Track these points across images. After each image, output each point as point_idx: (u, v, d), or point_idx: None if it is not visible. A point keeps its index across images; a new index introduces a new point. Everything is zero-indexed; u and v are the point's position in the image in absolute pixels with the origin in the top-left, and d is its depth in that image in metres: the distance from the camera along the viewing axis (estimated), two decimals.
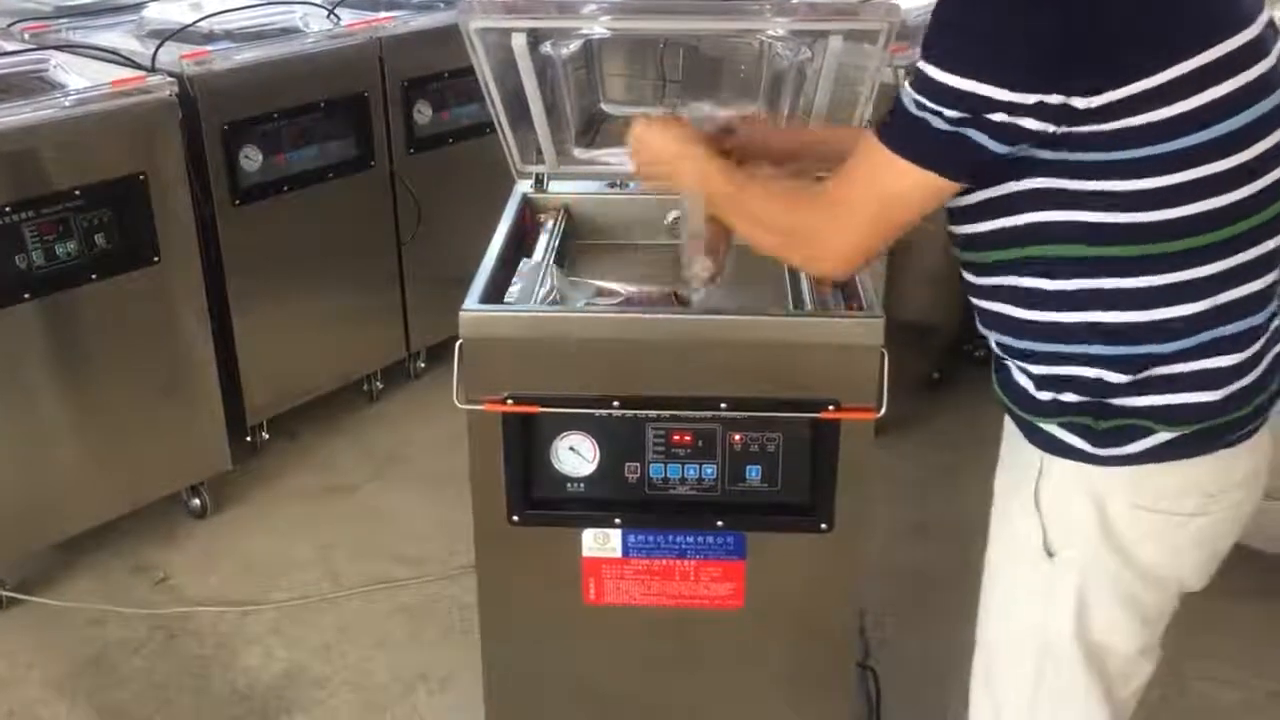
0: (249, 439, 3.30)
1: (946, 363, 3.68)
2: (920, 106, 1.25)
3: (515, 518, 1.81)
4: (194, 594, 2.83)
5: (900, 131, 1.28)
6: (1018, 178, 1.29)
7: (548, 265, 1.92)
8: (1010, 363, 1.43)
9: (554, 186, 2.19)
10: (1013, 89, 1.20)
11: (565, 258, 2.09)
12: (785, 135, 1.87)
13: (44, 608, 2.76)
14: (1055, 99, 1.20)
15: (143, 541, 2.98)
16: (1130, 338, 1.31)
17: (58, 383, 2.72)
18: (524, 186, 2.17)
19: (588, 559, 1.83)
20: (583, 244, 2.16)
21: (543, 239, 2.04)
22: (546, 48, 2.03)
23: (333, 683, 2.56)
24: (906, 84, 1.27)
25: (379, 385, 3.64)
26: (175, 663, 2.61)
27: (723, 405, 1.73)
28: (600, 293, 1.90)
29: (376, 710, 2.48)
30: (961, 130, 1.23)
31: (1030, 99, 1.20)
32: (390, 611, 2.77)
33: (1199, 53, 1.21)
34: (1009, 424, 1.50)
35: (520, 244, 2.03)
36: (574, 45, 2.12)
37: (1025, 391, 1.42)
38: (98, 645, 2.66)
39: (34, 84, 2.81)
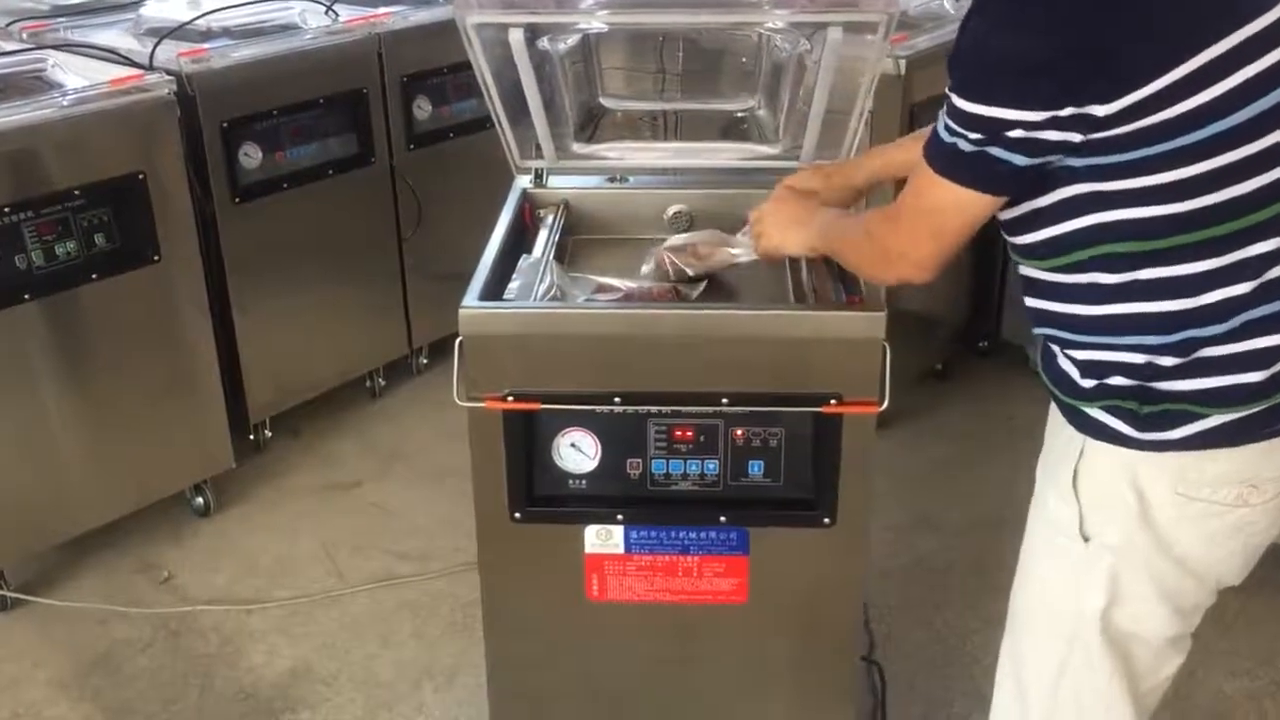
0: (252, 437, 3.30)
1: (950, 355, 3.67)
2: (950, 131, 1.34)
3: (517, 515, 1.80)
4: (198, 592, 2.83)
5: (936, 153, 1.37)
6: (1056, 187, 1.35)
7: (547, 261, 1.92)
8: (1058, 349, 1.46)
9: (553, 182, 2.18)
10: (1023, 108, 1.27)
11: (565, 253, 2.09)
12: (860, 166, 1.93)
13: (49, 608, 2.77)
14: (1068, 111, 1.25)
15: (147, 541, 2.98)
16: (1181, 322, 1.34)
17: (60, 383, 2.72)
18: (523, 182, 2.17)
19: (590, 555, 1.83)
20: (582, 239, 2.15)
21: (542, 234, 2.04)
22: (544, 42, 2.02)
23: (338, 680, 2.56)
24: (943, 111, 1.36)
25: (382, 382, 3.64)
26: (180, 662, 2.62)
27: (724, 400, 1.72)
28: (600, 288, 1.89)
29: (382, 707, 2.48)
30: (986, 149, 1.31)
31: (1041, 115, 1.26)
32: (395, 608, 2.77)
33: (1211, 44, 1.23)
34: (1052, 409, 1.52)
35: (520, 240, 2.02)
36: (572, 40, 2.11)
37: (1069, 376, 1.44)
38: (103, 645, 2.66)
39: (32, 84, 2.81)
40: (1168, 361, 1.36)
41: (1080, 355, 1.42)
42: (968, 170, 1.34)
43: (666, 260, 1.95)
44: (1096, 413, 1.42)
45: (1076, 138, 1.27)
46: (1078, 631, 1.50)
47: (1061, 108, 1.25)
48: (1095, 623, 1.48)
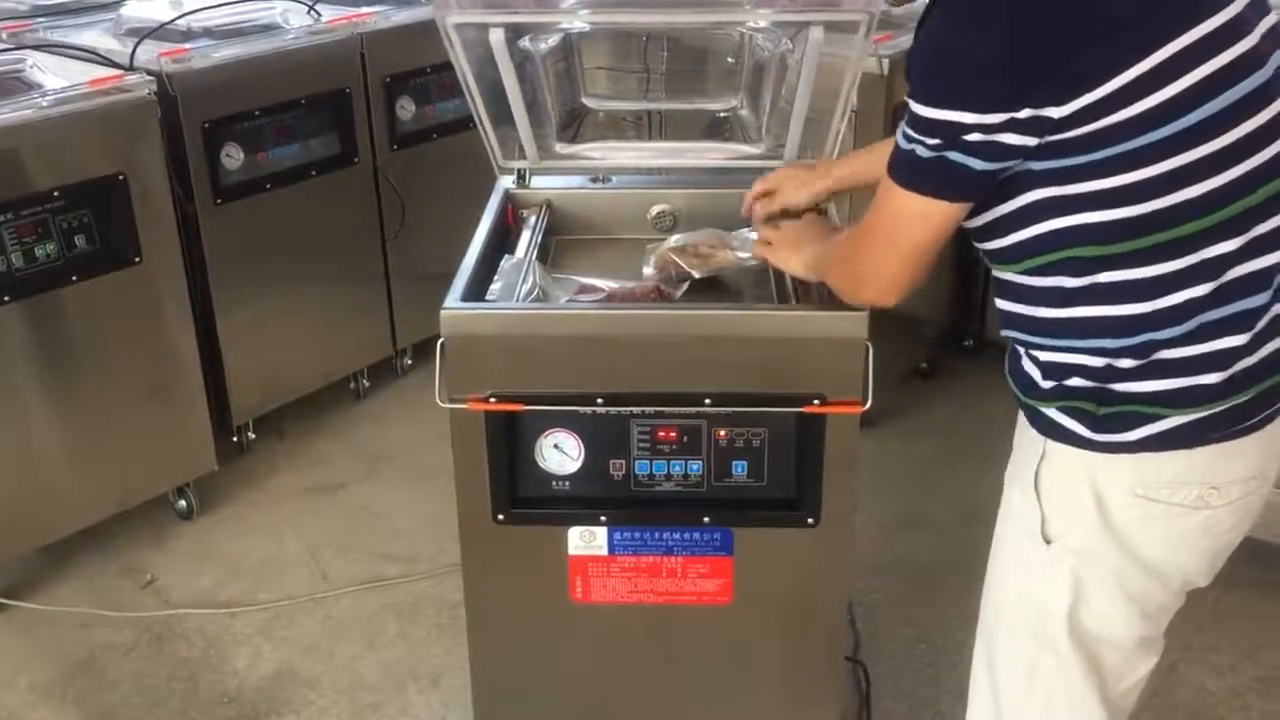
0: (235, 439, 3.29)
1: (935, 354, 3.67)
2: (908, 139, 1.34)
3: (500, 516, 1.80)
4: (182, 596, 2.81)
5: (898, 163, 1.36)
6: (1018, 193, 1.34)
7: (530, 261, 1.91)
8: (1022, 351, 1.47)
9: (536, 182, 2.17)
10: (980, 111, 1.26)
11: (548, 254, 2.08)
12: (827, 171, 1.96)
13: (31, 612, 2.75)
14: (1025, 113, 1.25)
15: (130, 544, 2.97)
16: (1140, 325, 1.34)
17: (41, 386, 2.70)
18: (506, 182, 2.16)
19: (574, 557, 1.82)
20: (565, 239, 2.15)
21: (525, 235, 2.03)
22: (525, 42, 2.02)
23: (322, 683, 2.55)
24: (903, 122, 1.35)
25: (366, 383, 3.63)
26: (164, 665, 2.60)
27: (707, 401, 1.72)
28: (583, 289, 1.88)
29: (366, 710, 2.47)
30: (944, 154, 1.30)
31: (998, 118, 1.26)
32: (379, 610, 2.76)
33: (1165, 44, 1.23)
34: (1020, 413, 1.52)
35: (502, 240, 2.02)
36: (553, 39, 2.11)
37: (1030, 378, 1.44)
38: (86, 649, 2.65)
39: (11, 84, 2.79)
40: (1126, 363, 1.36)
41: (1042, 356, 1.42)
42: (929, 178, 1.33)
43: (670, 262, 1.93)
44: (1054, 413, 1.42)
45: (1033, 141, 1.27)
46: (1045, 632, 1.50)
47: (1018, 109, 1.25)
48: (1062, 624, 1.48)
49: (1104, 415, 1.38)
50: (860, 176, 1.89)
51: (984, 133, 1.27)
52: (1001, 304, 1.47)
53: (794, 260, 1.78)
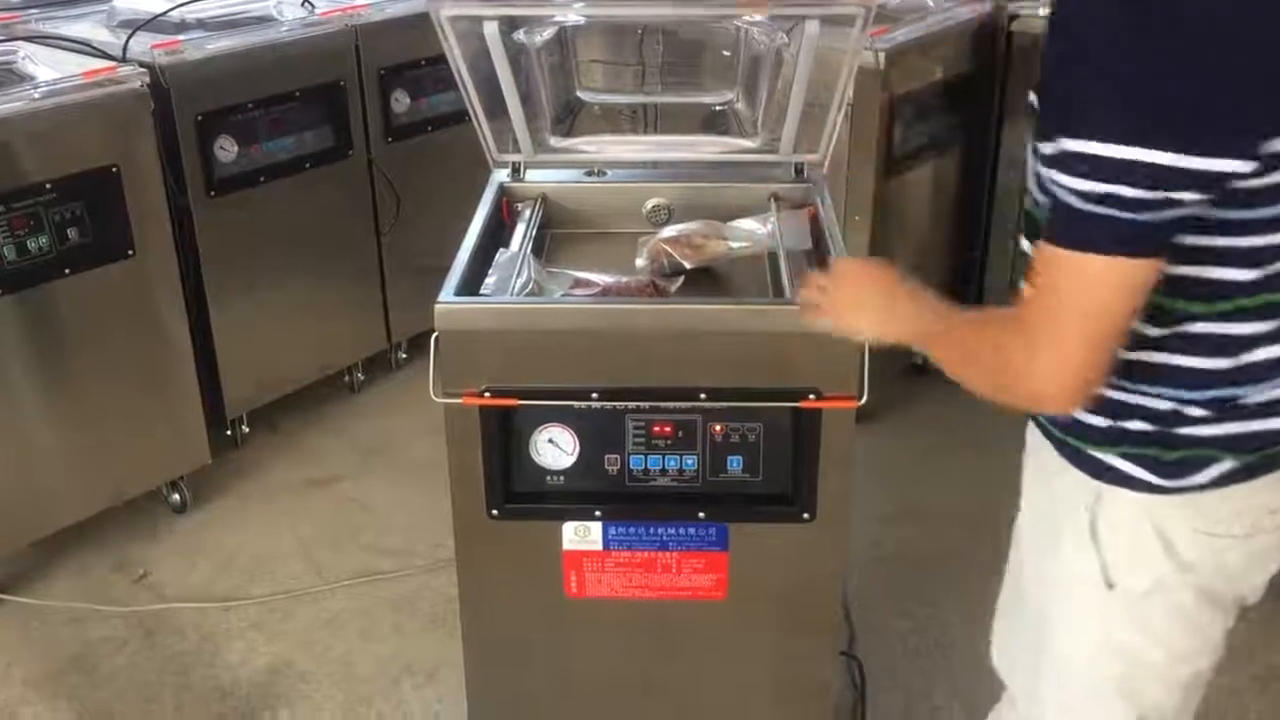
0: (229, 433, 3.28)
1: None
2: (1084, 197, 1.12)
3: (495, 511, 1.79)
4: (175, 590, 2.80)
5: (1079, 227, 1.14)
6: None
7: (525, 255, 1.90)
8: None
9: (531, 175, 2.16)
10: (1227, 156, 1.09)
11: (543, 247, 2.07)
12: None
13: (24, 606, 2.74)
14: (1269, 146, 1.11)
15: (123, 538, 2.96)
16: (1218, 379, 1.27)
17: (34, 379, 2.69)
18: (500, 175, 2.15)
19: (569, 552, 1.82)
20: (560, 233, 2.14)
21: (520, 228, 2.02)
22: (520, 35, 2.01)
23: (316, 677, 2.54)
24: (1061, 175, 1.13)
25: (360, 377, 3.62)
26: (158, 660, 2.59)
27: (703, 395, 1.72)
28: (577, 283, 1.88)
29: (362, 704, 2.47)
30: (1166, 195, 1.11)
31: (1240, 165, 1.10)
32: (374, 604, 2.75)
33: None
34: (1039, 452, 1.42)
35: (497, 234, 2.01)
36: (548, 33, 2.10)
37: (1075, 417, 1.33)
38: (79, 644, 2.64)
39: (3, 76, 2.77)
40: (1196, 411, 1.28)
41: (1101, 394, 1.29)
42: (1129, 233, 1.11)
43: (662, 252, 1.93)
44: (1113, 459, 1.32)
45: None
46: (1134, 681, 1.41)
47: (1263, 143, 1.08)
48: (1130, 667, 1.40)
49: (1171, 461, 1.30)
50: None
51: (1198, 182, 1.09)
52: None
53: (863, 324, 1.50)
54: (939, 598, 2.67)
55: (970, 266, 3.66)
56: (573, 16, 2.02)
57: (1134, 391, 1.29)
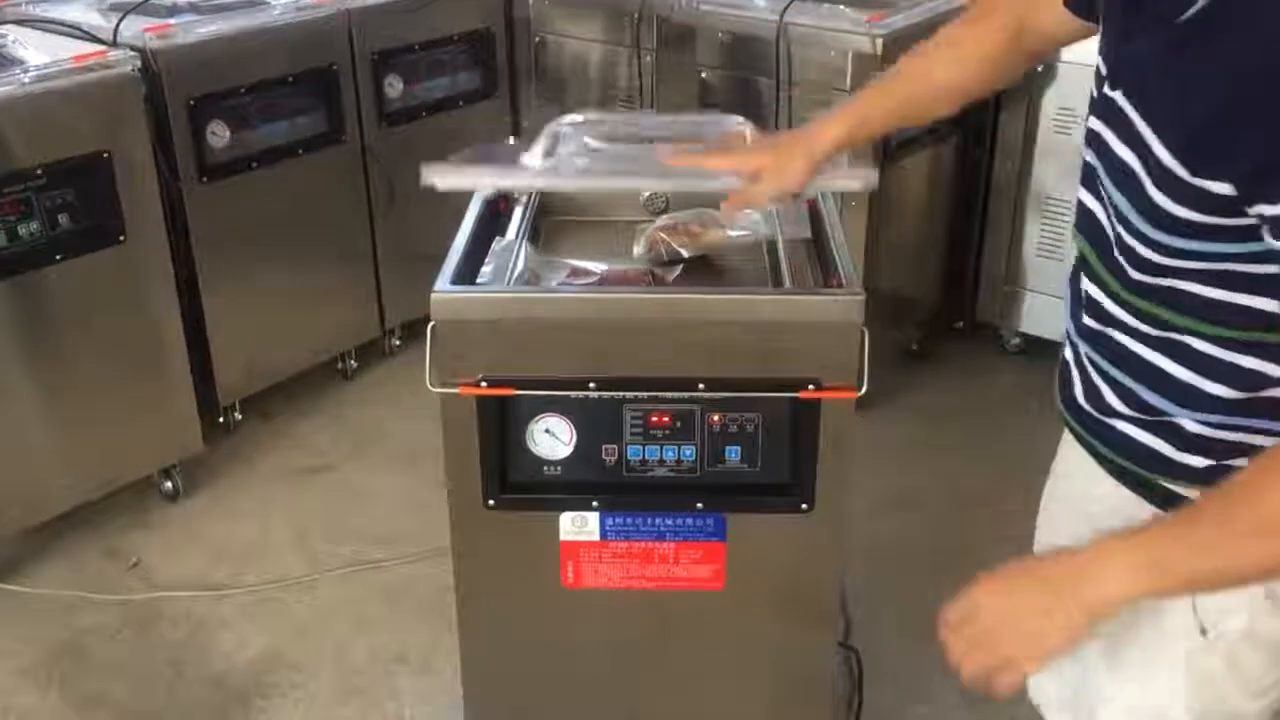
0: (221, 420, 3.26)
1: (925, 335, 3.66)
2: None
3: (491, 502, 1.77)
4: (168, 579, 2.79)
5: None
6: (1275, 260, 1.09)
7: (521, 244, 1.88)
8: (1160, 423, 1.24)
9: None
10: None
11: (539, 235, 2.05)
12: (823, 130, 1.60)
13: (15, 595, 2.73)
14: None
15: (115, 526, 2.94)
16: None
17: (24, 366, 2.67)
18: None
19: (565, 543, 1.80)
20: (556, 221, 2.12)
21: (516, 216, 2.00)
22: None
23: (310, 666, 2.53)
24: None
25: (353, 363, 3.60)
26: (150, 649, 2.58)
27: (701, 385, 1.70)
28: (574, 272, 1.86)
29: (355, 693, 2.46)
30: None
31: None
32: (368, 593, 2.74)
33: None
34: (1086, 471, 1.34)
35: (493, 222, 1.99)
36: None
37: (1160, 454, 1.24)
38: (71, 632, 2.63)
39: None
40: None
41: (1206, 432, 1.21)
42: None
43: (660, 240, 1.91)
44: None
45: None
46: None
47: None
48: (1216, 706, 1.31)
49: None
50: (874, 122, 1.61)
51: None
52: (1162, 363, 1.22)
53: (1056, 631, 1.13)
54: (932, 586, 2.65)
55: (966, 244, 3.65)
56: (569, 185, 1.98)
57: (1244, 430, 1.21)
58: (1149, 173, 1.13)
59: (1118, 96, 1.17)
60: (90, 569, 2.81)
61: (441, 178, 1.79)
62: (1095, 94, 1.24)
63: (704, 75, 3.33)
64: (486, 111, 3.64)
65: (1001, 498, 3.03)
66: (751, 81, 3.22)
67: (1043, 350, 3.58)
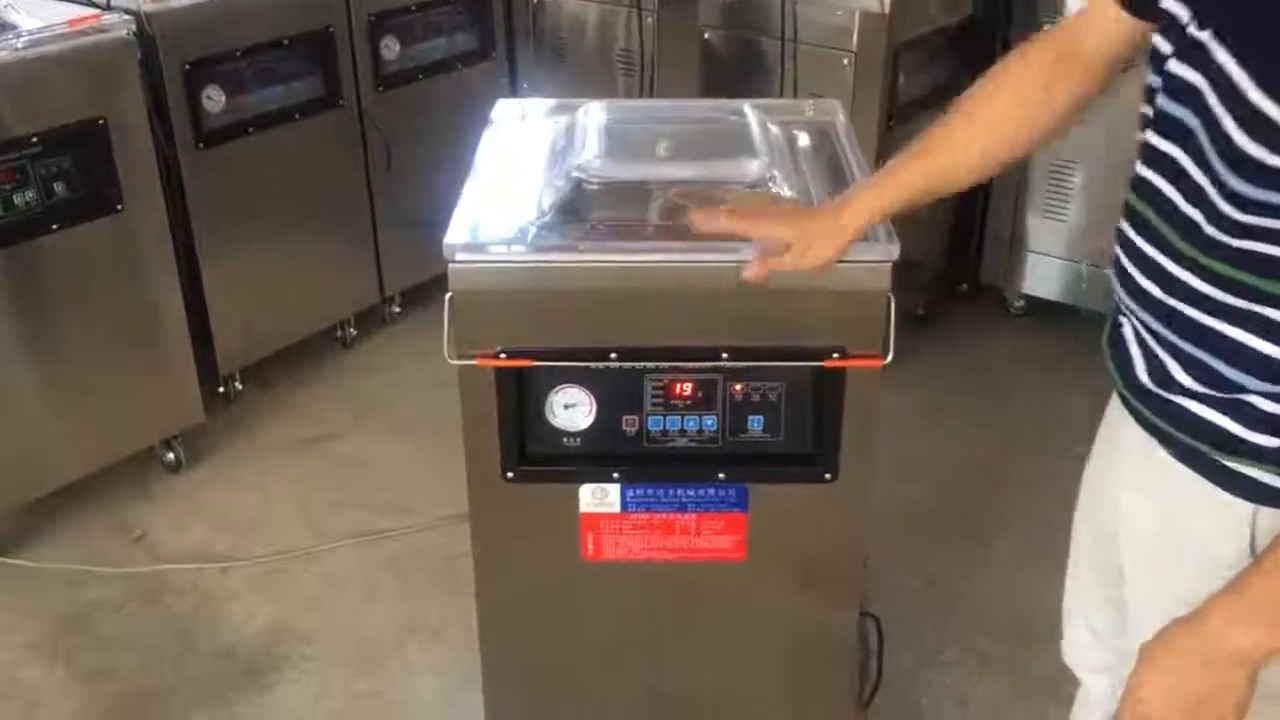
0: (221, 390, 3.22)
1: (931, 299, 3.64)
2: None
3: (510, 474, 1.75)
4: (172, 551, 2.76)
5: None
6: None
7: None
8: (1235, 398, 1.19)
9: None
10: None
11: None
12: (849, 205, 1.56)
13: (20, 569, 2.70)
14: None
15: (118, 498, 2.91)
16: None
17: (22, 337, 2.63)
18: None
19: (586, 514, 1.78)
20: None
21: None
22: None
23: (319, 637, 2.51)
24: None
25: (353, 331, 3.56)
26: (156, 622, 2.56)
27: (723, 355, 1.67)
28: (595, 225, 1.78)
29: (367, 664, 2.45)
30: None
31: None
32: (376, 563, 2.72)
33: None
34: (1164, 482, 1.27)
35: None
36: None
37: (1228, 433, 1.20)
38: (76, 605, 2.60)
39: None
40: None
41: (1270, 408, 1.17)
42: None
43: (676, 206, 1.87)
44: (1273, 479, 1.19)
45: None
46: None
47: None
48: None
49: None
50: (914, 188, 1.53)
51: None
52: (1248, 340, 1.16)
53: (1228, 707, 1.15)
54: (945, 550, 2.66)
55: (971, 207, 3.62)
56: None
57: None
58: (1239, 121, 1.07)
59: (1205, 37, 1.11)
60: (94, 542, 2.79)
61: None
62: (1167, 44, 1.17)
63: (706, 35, 3.28)
64: (484, 73, 3.58)
65: (1007, 461, 3.03)
66: (755, 41, 3.17)
67: (1047, 312, 3.57)
